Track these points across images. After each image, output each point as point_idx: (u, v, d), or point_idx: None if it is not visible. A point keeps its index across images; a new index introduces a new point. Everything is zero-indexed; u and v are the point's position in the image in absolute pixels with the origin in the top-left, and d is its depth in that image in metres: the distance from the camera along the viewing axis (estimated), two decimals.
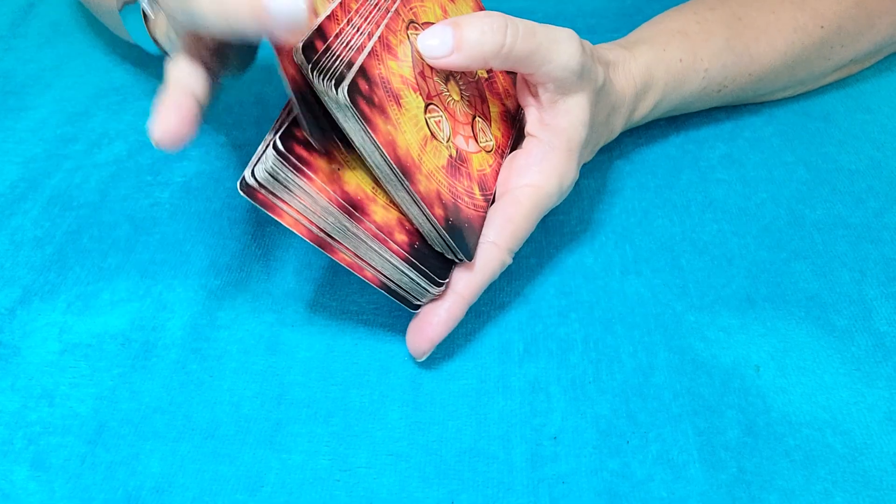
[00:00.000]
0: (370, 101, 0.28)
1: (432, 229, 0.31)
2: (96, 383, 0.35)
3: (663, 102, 0.42)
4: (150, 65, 0.52)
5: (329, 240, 0.30)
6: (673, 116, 0.46)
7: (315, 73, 0.27)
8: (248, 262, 0.40)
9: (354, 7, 0.30)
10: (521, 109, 0.38)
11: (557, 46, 0.32)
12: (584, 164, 0.42)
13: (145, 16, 0.40)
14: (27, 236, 0.41)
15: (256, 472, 0.32)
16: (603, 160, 0.45)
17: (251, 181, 0.28)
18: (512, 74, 0.40)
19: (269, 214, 0.29)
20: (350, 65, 0.28)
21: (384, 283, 0.32)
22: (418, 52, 0.31)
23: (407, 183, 0.29)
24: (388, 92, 0.29)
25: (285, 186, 0.28)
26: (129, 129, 0.47)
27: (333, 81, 0.27)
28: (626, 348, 0.36)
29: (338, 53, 0.28)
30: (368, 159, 0.29)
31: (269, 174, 0.28)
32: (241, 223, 0.41)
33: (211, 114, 0.48)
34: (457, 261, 0.33)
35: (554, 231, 0.41)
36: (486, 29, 0.31)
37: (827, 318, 0.37)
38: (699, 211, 0.42)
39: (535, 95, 0.34)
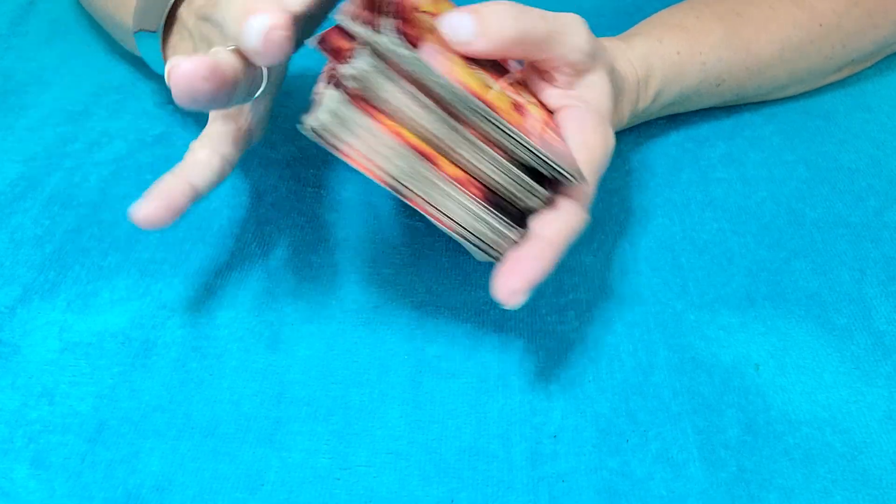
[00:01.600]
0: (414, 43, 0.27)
1: (533, 155, 0.29)
2: (96, 382, 0.35)
3: (663, 94, 0.42)
4: None
5: (399, 185, 0.29)
6: (672, 115, 0.46)
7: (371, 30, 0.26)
8: (248, 260, 0.40)
9: None
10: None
11: (569, 29, 0.32)
12: None
13: (165, 45, 0.40)
14: (27, 235, 0.41)
15: (256, 471, 0.32)
16: None
17: (314, 123, 0.27)
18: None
19: (339, 156, 0.28)
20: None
21: (461, 233, 0.30)
22: (443, 35, 0.31)
23: (493, 113, 0.28)
24: (432, 47, 0.29)
25: (348, 127, 0.27)
26: (129, 128, 0.47)
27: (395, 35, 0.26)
28: (626, 347, 0.36)
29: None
30: (451, 100, 0.28)
31: (332, 113, 0.27)
32: (241, 222, 0.41)
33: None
34: (568, 181, 0.30)
35: None
36: (506, 15, 0.30)
37: (827, 316, 0.37)
38: (699, 209, 0.42)
39: (551, 80, 0.34)
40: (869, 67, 0.50)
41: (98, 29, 0.55)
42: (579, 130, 0.33)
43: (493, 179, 0.30)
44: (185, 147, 0.46)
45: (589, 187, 0.32)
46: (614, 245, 0.40)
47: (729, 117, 0.47)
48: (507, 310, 0.37)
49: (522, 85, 0.35)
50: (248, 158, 0.45)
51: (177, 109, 0.48)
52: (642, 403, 0.34)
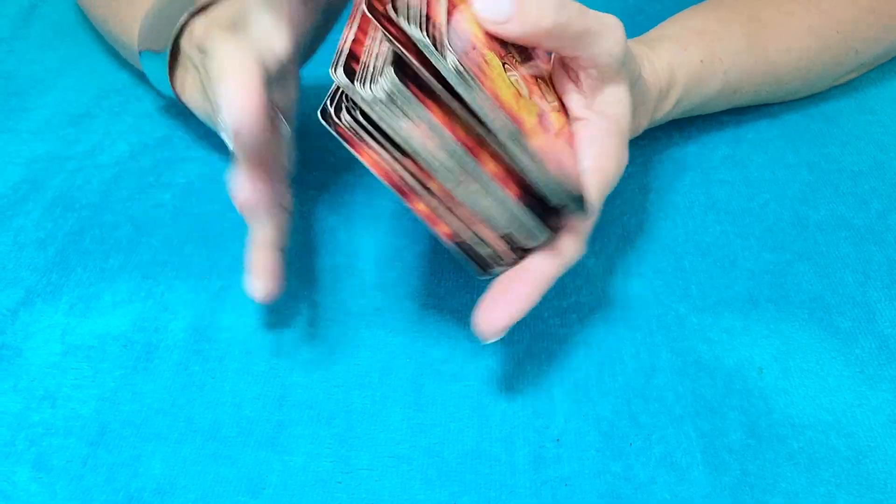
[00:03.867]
0: (469, 58, 0.26)
1: (552, 182, 0.29)
2: (98, 385, 0.35)
3: (683, 102, 0.42)
4: None
5: (427, 185, 0.28)
6: (676, 118, 0.46)
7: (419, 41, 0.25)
8: None
9: None
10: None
11: (606, 30, 0.31)
12: None
13: (171, 71, 0.40)
14: (29, 237, 0.41)
15: (258, 474, 0.32)
16: None
17: (366, 96, 0.26)
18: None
19: (353, 152, 0.27)
20: (433, 25, 0.26)
21: (464, 240, 0.30)
22: (476, 14, 0.29)
23: (522, 135, 0.27)
24: (475, 48, 0.28)
25: (403, 112, 0.26)
26: (132, 131, 0.47)
27: (439, 48, 0.25)
28: (629, 350, 0.36)
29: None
30: (488, 120, 0.27)
31: (389, 95, 0.26)
32: (243, 225, 0.41)
33: (213, 116, 0.48)
34: (577, 213, 0.30)
35: None
36: (546, 2, 0.29)
37: (830, 319, 0.37)
38: (702, 212, 0.42)
39: (576, 81, 0.34)
40: (872, 70, 0.50)
41: (100, 33, 0.55)
42: (594, 151, 0.32)
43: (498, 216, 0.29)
44: (187, 149, 0.46)
45: (593, 216, 0.32)
46: (617, 248, 0.40)
47: (732, 120, 0.47)
48: None
49: (545, 81, 0.34)
50: None
51: (179, 112, 0.48)
52: (645, 406, 0.34)
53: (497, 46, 0.30)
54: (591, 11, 0.31)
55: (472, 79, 0.26)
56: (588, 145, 0.33)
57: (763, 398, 0.34)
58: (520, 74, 0.31)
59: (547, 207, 0.30)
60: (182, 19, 0.39)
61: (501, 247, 0.30)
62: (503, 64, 0.30)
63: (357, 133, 0.27)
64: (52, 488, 0.31)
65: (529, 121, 0.29)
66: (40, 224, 0.42)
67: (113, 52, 0.54)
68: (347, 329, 0.37)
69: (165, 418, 0.34)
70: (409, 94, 0.26)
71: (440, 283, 0.39)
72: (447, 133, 0.27)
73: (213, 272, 0.39)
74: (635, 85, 0.35)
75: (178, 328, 0.37)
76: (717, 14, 0.43)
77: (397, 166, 0.28)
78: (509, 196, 0.29)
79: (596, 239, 0.41)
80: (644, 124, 0.41)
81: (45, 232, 0.41)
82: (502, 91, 0.28)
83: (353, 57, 0.27)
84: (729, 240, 0.40)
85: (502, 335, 0.31)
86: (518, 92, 0.30)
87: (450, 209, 0.29)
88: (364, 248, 0.40)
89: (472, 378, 0.35)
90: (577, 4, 0.31)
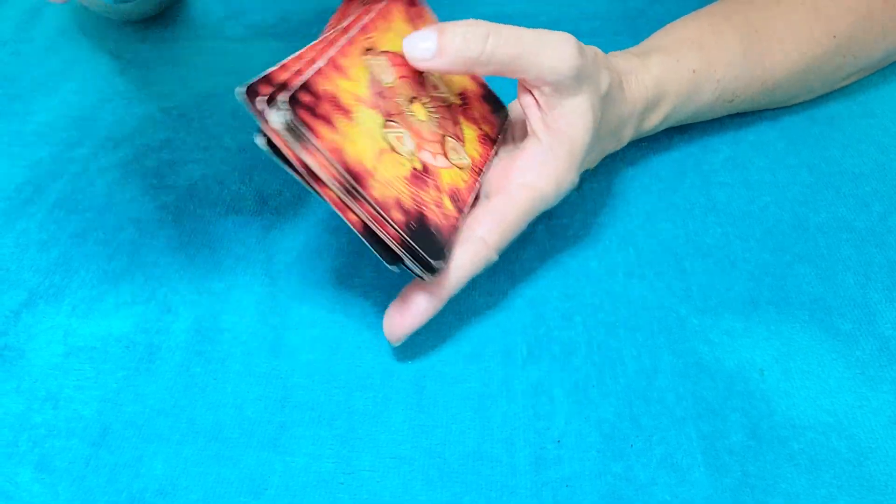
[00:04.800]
0: (312, 112, 0.29)
1: (396, 234, 0.31)
2: (101, 386, 0.35)
3: (674, 114, 0.42)
4: (156, 69, 0.52)
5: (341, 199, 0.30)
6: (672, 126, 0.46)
7: (257, 105, 0.28)
8: (252, 265, 0.40)
9: (309, 57, 0.31)
10: (505, 123, 0.39)
11: (546, 50, 0.32)
12: (588, 168, 0.42)
13: None
14: (32, 239, 0.41)
15: (260, 475, 0.32)
16: (606, 164, 0.45)
17: (277, 124, 0.28)
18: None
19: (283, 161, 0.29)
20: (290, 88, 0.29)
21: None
22: (405, 54, 0.32)
23: (359, 188, 0.30)
24: (335, 106, 0.30)
25: (299, 139, 0.29)
26: (134, 133, 0.48)
27: (273, 101, 0.28)
28: (630, 351, 0.36)
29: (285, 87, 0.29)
30: (322, 173, 0.29)
31: (287, 124, 0.28)
32: (245, 227, 0.42)
33: (215, 117, 0.48)
34: (422, 274, 0.32)
35: (557, 234, 0.41)
36: (469, 35, 0.31)
37: (831, 321, 0.37)
38: (703, 214, 0.42)
39: (534, 97, 0.35)
40: (873, 73, 0.50)
41: (103, 35, 0.56)
42: (528, 169, 0.34)
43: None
44: (190, 151, 0.46)
45: (500, 239, 0.34)
46: (618, 250, 0.40)
47: (733, 123, 0.47)
48: (510, 314, 0.37)
49: (463, 110, 0.37)
50: (251, 164, 0.45)
51: (181, 115, 0.48)
52: (646, 408, 0.34)
53: (394, 105, 0.33)
54: (531, 34, 0.33)
55: (304, 135, 0.28)
56: (526, 162, 0.35)
57: (764, 400, 0.34)
58: (412, 132, 0.33)
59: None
60: None
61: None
62: (388, 121, 0.32)
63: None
64: (55, 489, 0.31)
65: (387, 173, 0.31)
66: (43, 226, 0.42)
67: (116, 54, 0.54)
68: (349, 330, 0.37)
69: (167, 419, 0.34)
70: (300, 124, 0.29)
71: None
72: (331, 156, 0.29)
73: (215, 274, 0.39)
74: (606, 99, 0.36)
75: (180, 330, 0.37)
76: (711, 23, 0.43)
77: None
78: (388, 234, 0.31)
79: (598, 241, 0.41)
80: (628, 136, 0.41)
81: (47, 234, 0.42)
82: (354, 144, 0.30)
83: (268, 81, 0.29)
84: (730, 242, 0.40)
85: (404, 339, 0.34)
86: (391, 148, 0.32)
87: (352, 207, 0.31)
88: (365, 249, 0.40)
89: (473, 380, 0.35)
90: (512, 30, 0.32)
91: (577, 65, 0.33)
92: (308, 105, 0.29)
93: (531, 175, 0.34)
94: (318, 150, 0.29)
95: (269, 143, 0.30)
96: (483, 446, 0.33)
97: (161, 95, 0.50)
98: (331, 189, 0.30)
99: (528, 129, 0.35)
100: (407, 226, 0.31)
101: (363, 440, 0.33)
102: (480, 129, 0.38)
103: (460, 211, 0.34)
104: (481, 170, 0.36)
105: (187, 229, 0.42)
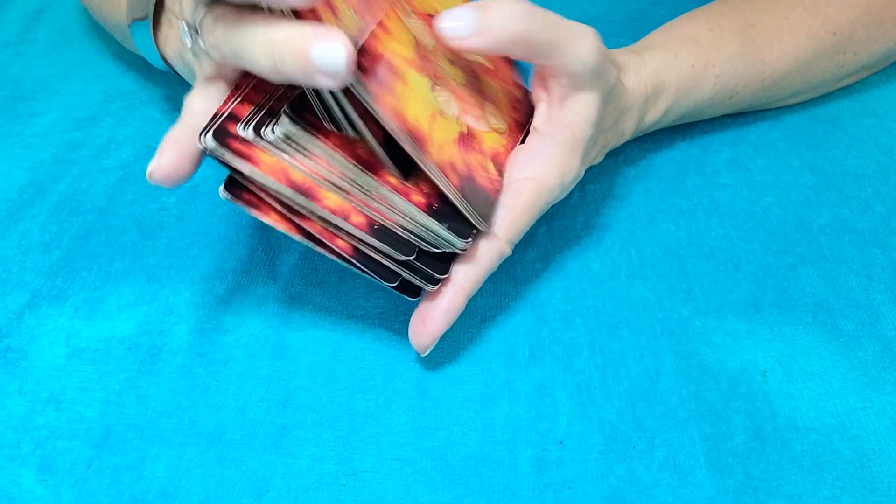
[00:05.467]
0: (373, 76, 0.29)
1: (453, 196, 0.31)
2: (103, 387, 0.35)
3: (674, 108, 0.42)
4: (158, 71, 0.52)
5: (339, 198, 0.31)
6: (672, 125, 0.46)
7: (240, 136, 0.30)
8: (254, 266, 0.40)
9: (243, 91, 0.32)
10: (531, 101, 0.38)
11: (578, 41, 0.32)
12: (591, 168, 0.42)
13: (156, 35, 0.40)
14: (35, 241, 0.41)
15: (262, 477, 0.32)
16: (608, 165, 0.45)
17: (265, 141, 0.29)
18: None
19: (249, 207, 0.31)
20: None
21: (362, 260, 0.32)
22: (438, 32, 0.31)
23: (419, 151, 0.29)
24: (390, 70, 0.30)
25: (301, 148, 0.29)
26: (137, 135, 0.48)
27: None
28: (632, 353, 0.36)
29: None
30: (327, 171, 0.30)
31: (285, 136, 0.29)
32: (248, 228, 0.42)
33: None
34: (475, 230, 0.32)
35: (560, 235, 0.41)
36: (512, 13, 0.30)
37: (834, 323, 0.37)
38: (705, 215, 0.42)
39: (547, 90, 0.34)
40: (875, 73, 0.50)
41: (106, 37, 0.56)
42: (535, 161, 0.34)
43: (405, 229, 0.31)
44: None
45: (510, 231, 0.33)
46: (621, 251, 0.40)
47: (734, 123, 0.47)
48: (512, 315, 0.37)
49: (500, 103, 0.36)
50: None
51: None
52: (649, 410, 0.34)
53: (437, 68, 0.33)
54: (564, 21, 0.32)
55: (363, 91, 0.28)
56: (531, 154, 0.35)
57: (767, 401, 0.34)
58: (455, 95, 0.33)
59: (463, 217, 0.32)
60: None
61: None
62: (434, 85, 0.32)
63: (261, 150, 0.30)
64: (57, 491, 0.31)
65: (440, 137, 0.31)
66: (45, 227, 0.42)
67: (119, 56, 0.54)
68: (351, 332, 0.37)
69: (170, 421, 0.34)
70: (301, 131, 0.30)
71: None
72: (340, 156, 0.30)
73: (217, 275, 0.39)
74: (611, 93, 0.36)
75: (182, 331, 0.37)
76: (708, 21, 0.43)
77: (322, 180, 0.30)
78: (414, 206, 0.31)
79: (600, 242, 0.41)
80: (629, 130, 0.41)
81: (50, 235, 0.42)
82: (412, 108, 0.30)
83: (233, 118, 0.30)
84: (732, 243, 0.40)
85: (430, 348, 0.34)
86: (440, 112, 0.32)
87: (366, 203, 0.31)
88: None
89: (475, 381, 0.35)
90: (550, 14, 0.32)
91: (599, 59, 0.33)
92: (367, 68, 0.28)
93: (533, 167, 0.34)
94: (379, 113, 0.29)
95: (234, 189, 0.31)
96: (485, 448, 0.33)
97: (163, 97, 0.50)
98: (332, 194, 0.30)
99: (532, 126, 0.35)
100: (461, 188, 0.31)
101: (365, 442, 0.33)
102: (511, 92, 0.37)
103: (501, 175, 0.34)
104: (518, 136, 0.36)
105: (189, 231, 0.42)
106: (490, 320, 0.37)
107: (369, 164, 0.30)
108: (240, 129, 0.30)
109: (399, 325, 0.37)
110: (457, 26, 0.30)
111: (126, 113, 0.49)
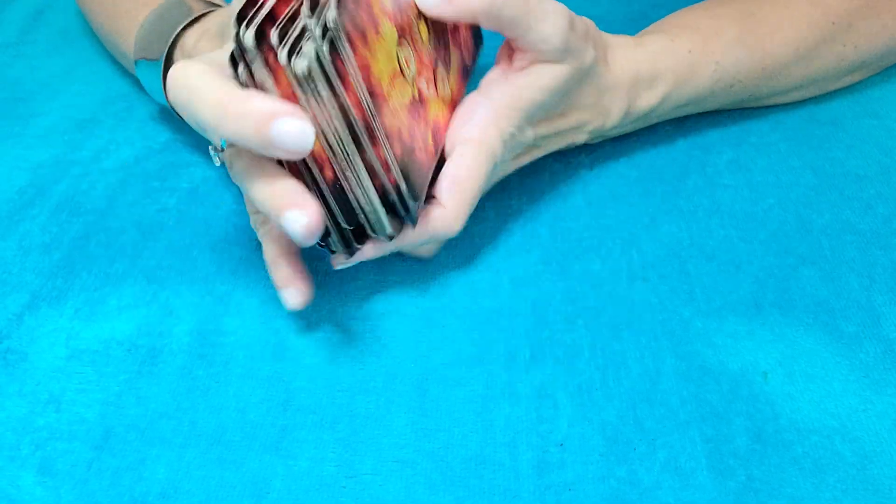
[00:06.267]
0: (355, 23, 0.27)
1: (395, 169, 0.30)
2: (103, 389, 0.35)
3: (673, 96, 0.42)
4: None
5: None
6: (680, 121, 0.46)
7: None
8: (255, 267, 0.40)
9: None
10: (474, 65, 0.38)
11: (545, 17, 0.33)
12: (590, 167, 0.42)
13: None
14: (35, 242, 0.41)
15: (262, 479, 0.32)
16: (609, 165, 0.45)
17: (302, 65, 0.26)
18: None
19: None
20: None
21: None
22: None
23: (376, 114, 0.28)
24: (369, 15, 0.28)
25: (316, 92, 0.27)
26: (137, 136, 0.48)
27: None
28: (633, 354, 0.36)
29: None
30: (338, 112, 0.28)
31: (308, 72, 0.26)
32: (248, 229, 0.42)
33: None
34: (404, 209, 0.31)
35: (560, 237, 0.41)
36: None
37: (835, 324, 0.36)
38: (706, 216, 0.42)
39: (510, 57, 0.35)
40: (876, 74, 0.50)
41: (99, 38, 0.56)
42: (465, 123, 0.34)
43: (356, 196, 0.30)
44: (192, 154, 0.46)
45: (454, 210, 0.33)
46: (622, 252, 0.40)
47: (735, 124, 0.47)
48: (513, 317, 0.37)
49: (453, 32, 0.35)
50: None
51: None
52: (650, 411, 0.34)
53: (407, 19, 0.31)
54: None
55: (342, 38, 0.26)
56: (463, 119, 0.34)
57: (768, 403, 0.34)
58: (416, 53, 0.32)
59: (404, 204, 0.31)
60: (177, 31, 0.40)
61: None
62: (400, 38, 0.30)
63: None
64: (57, 492, 0.31)
65: (395, 100, 0.30)
66: (46, 229, 0.42)
67: None
68: (351, 334, 0.37)
69: (169, 422, 0.34)
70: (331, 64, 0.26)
71: (444, 289, 0.39)
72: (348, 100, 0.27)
73: (217, 276, 0.39)
74: (586, 72, 0.36)
75: (182, 332, 0.37)
76: (708, 10, 0.44)
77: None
78: (373, 188, 0.29)
79: (601, 243, 0.41)
80: (617, 111, 0.41)
81: (50, 236, 0.42)
82: (378, 62, 0.28)
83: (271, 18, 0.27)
84: (733, 244, 0.40)
85: (342, 268, 0.34)
86: (400, 70, 0.30)
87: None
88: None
89: (476, 383, 0.35)
90: None
91: (567, 38, 0.34)
92: (351, 12, 0.26)
93: (471, 129, 0.34)
94: (351, 71, 0.26)
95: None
96: (486, 450, 0.33)
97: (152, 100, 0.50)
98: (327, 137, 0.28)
99: (480, 83, 0.36)
100: (401, 160, 0.30)
101: (365, 444, 0.33)
102: (462, 58, 0.37)
103: (436, 151, 0.33)
104: (455, 105, 0.35)
105: (189, 232, 0.42)
106: (490, 321, 0.37)
107: (370, 130, 0.29)
108: (273, 39, 0.26)
109: (399, 327, 0.37)
110: None
111: (126, 114, 0.49)
